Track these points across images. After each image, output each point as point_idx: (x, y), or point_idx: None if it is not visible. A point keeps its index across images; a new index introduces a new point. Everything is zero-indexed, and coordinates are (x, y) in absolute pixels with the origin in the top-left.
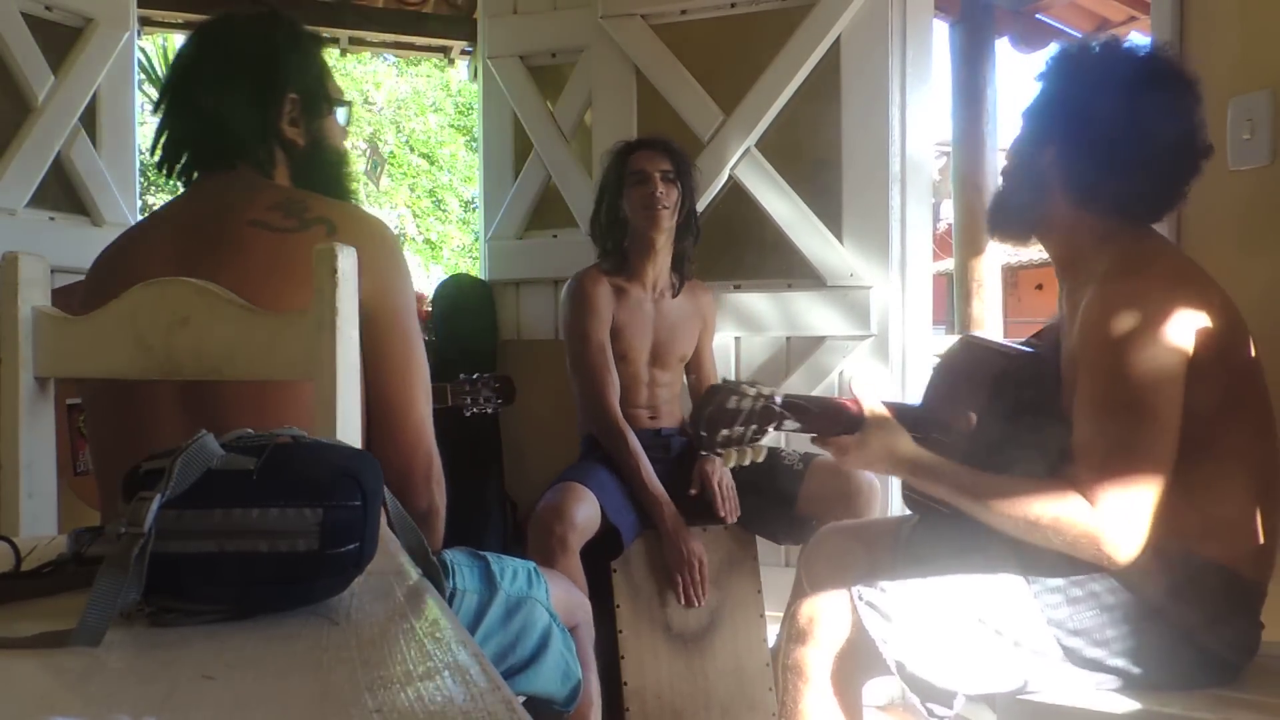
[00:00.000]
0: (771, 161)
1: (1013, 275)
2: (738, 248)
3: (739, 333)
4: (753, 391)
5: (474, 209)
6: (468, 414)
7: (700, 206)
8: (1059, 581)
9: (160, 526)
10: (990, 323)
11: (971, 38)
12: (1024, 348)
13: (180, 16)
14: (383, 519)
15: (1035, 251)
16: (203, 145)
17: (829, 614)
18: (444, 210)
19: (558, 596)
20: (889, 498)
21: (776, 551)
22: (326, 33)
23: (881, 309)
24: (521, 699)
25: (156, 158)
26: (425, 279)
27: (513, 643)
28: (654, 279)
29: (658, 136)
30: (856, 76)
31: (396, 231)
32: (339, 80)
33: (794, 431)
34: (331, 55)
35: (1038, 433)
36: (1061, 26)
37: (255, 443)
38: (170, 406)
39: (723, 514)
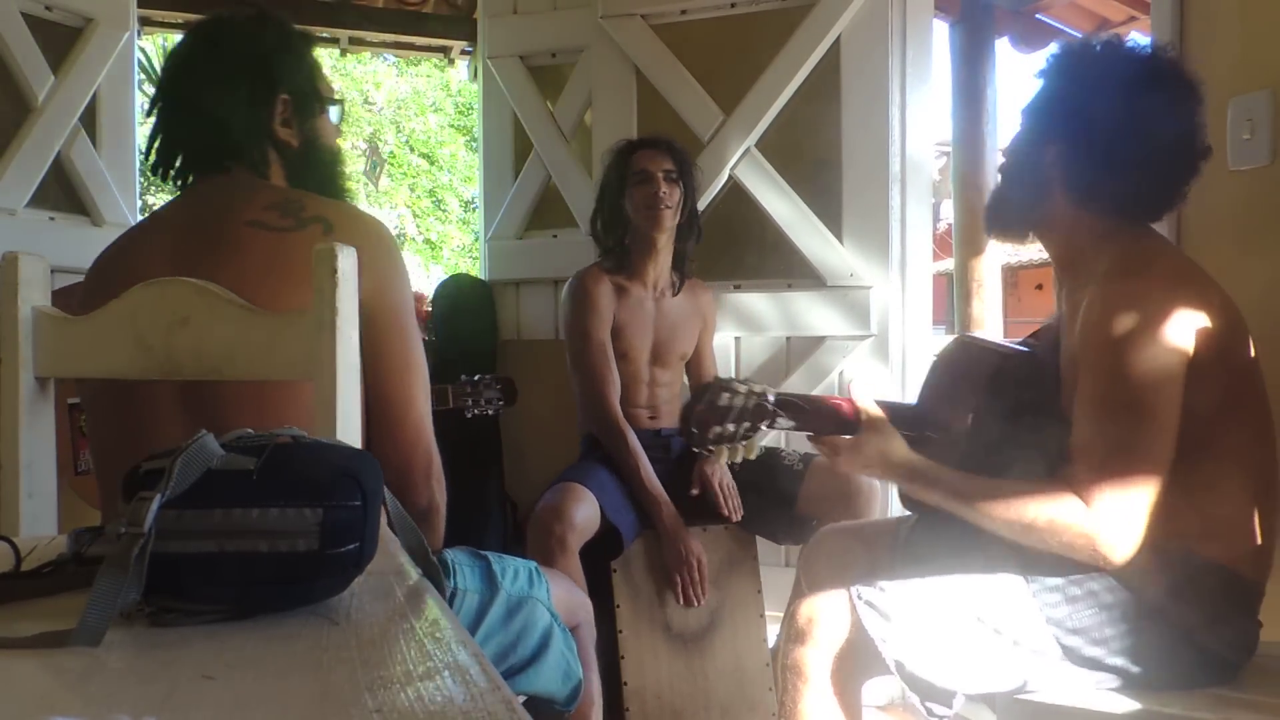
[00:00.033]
0: (771, 161)
1: (1013, 275)
2: (738, 248)
3: (739, 333)
4: (744, 389)
5: (474, 209)
6: (469, 415)
7: (700, 206)
8: (1058, 581)
9: (160, 526)
10: (990, 323)
11: (971, 38)
12: (1020, 347)
13: (180, 16)
14: (383, 519)
15: (1035, 251)
16: (196, 148)
17: (828, 614)
18: (444, 210)
19: (559, 596)
20: (889, 498)
21: (776, 551)
22: (326, 33)
23: (881, 309)
24: (522, 699)
25: (151, 162)
26: (425, 279)
27: (514, 642)
28: (655, 278)
29: (660, 136)
30: (856, 76)
31: (396, 231)
32: (339, 80)
33: (788, 430)
34: (331, 55)
35: (1035, 432)
36: (1061, 26)
37: (255, 443)
38: (171, 406)
39: (726, 513)
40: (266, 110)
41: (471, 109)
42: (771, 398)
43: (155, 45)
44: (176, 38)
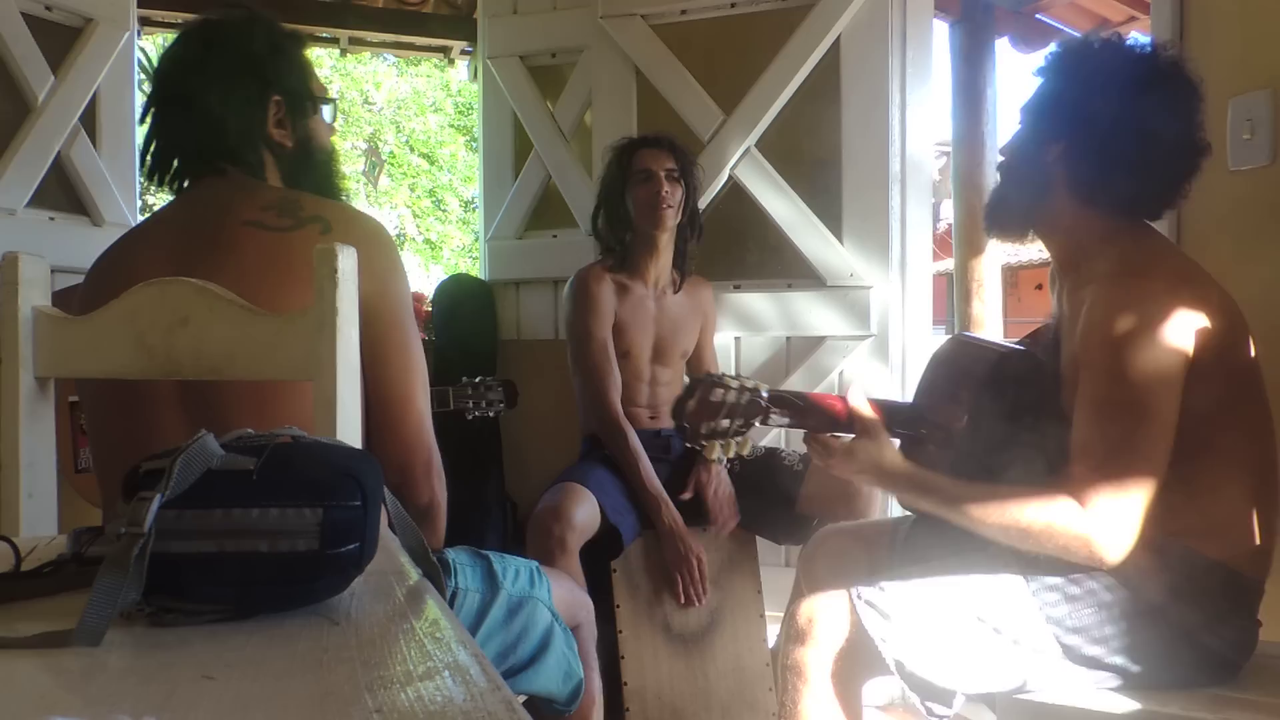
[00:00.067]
0: (771, 161)
1: (1013, 275)
2: (738, 248)
3: (739, 333)
4: (736, 384)
5: (474, 209)
6: (470, 417)
7: (700, 206)
8: (1057, 580)
9: (160, 526)
10: (990, 323)
11: (971, 38)
12: (1016, 345)
13: (180, 16)
14: (383, 519)
15: (1035, 251)
16: (191, 153)
17: (828, 614)
18: (444, 210)
19: (560, 596)
20: (889, 498)
21: (776, 551)
22: (326, 33)
23: (881, 309)
24: (523, 698)
25: (146, 168)
26: (425, 279)
27: (515, 642)
28: (656, 276)
29: (662, 134)
30: (856, 76)
31: (395, 231)
32: (339, 80)
33: (783, 427)
34: (331, 55)
35: (1032, 431)
36: (1061, 26)
37: (255, 443)
38: (172, 406)
39: (717, 526)
40: (260, 112)
41: (471, 109)
42: (765, 394)
43: (155, 45)
44: (203, 17)
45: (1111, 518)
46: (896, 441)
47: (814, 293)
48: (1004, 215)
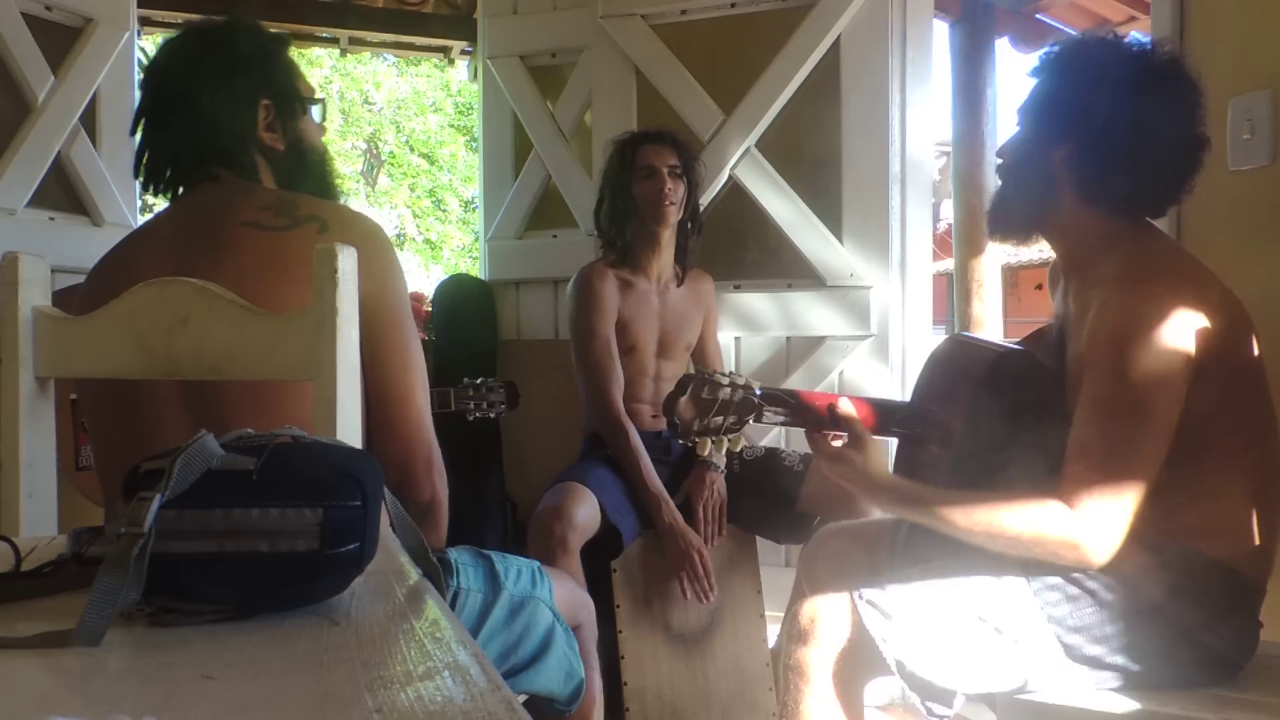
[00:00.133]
0: (771, 161)
1: (1013, 275)
2: (738, 248)
3: (739, 333)
4: (726, 381)
5: (474, 209)
6: (470, 418)
7: (701, 203)
8: (1058, 579)
9: (160, 526)
10: (990, 323)
11: (971, 38)
12: (1014, 345)
13: (180, 16)
14: (384, 519)
15: (1035, 251)
16: (184, 160)
17: (830, 614)
18: (444, 210)
19: (561, 596)
20: None
21: (776, 551)
22: (326, 33)
23: (881, 309)
24: (524, 698)
25: (141, 178)
26: (425, 279)
27: (516, 642)
28: (659, 271)
29: (664, 129)
30: (856, 76)
31: (395, 231)
32: (339, 80)
33: (779, 424)
34: (331, 55)
35: (1031, 431)
36: (1061, 26)
37: (255, 443)
38: (173, 406)
39: (703, 537)
40: (250, 117)
41: (471, 109)
42: (758, 391)
43: (155, 45)
44: (186, 26)
45: (1100, 519)
46: (895, 441)
47: (814, 293)
48: (1009, 218)
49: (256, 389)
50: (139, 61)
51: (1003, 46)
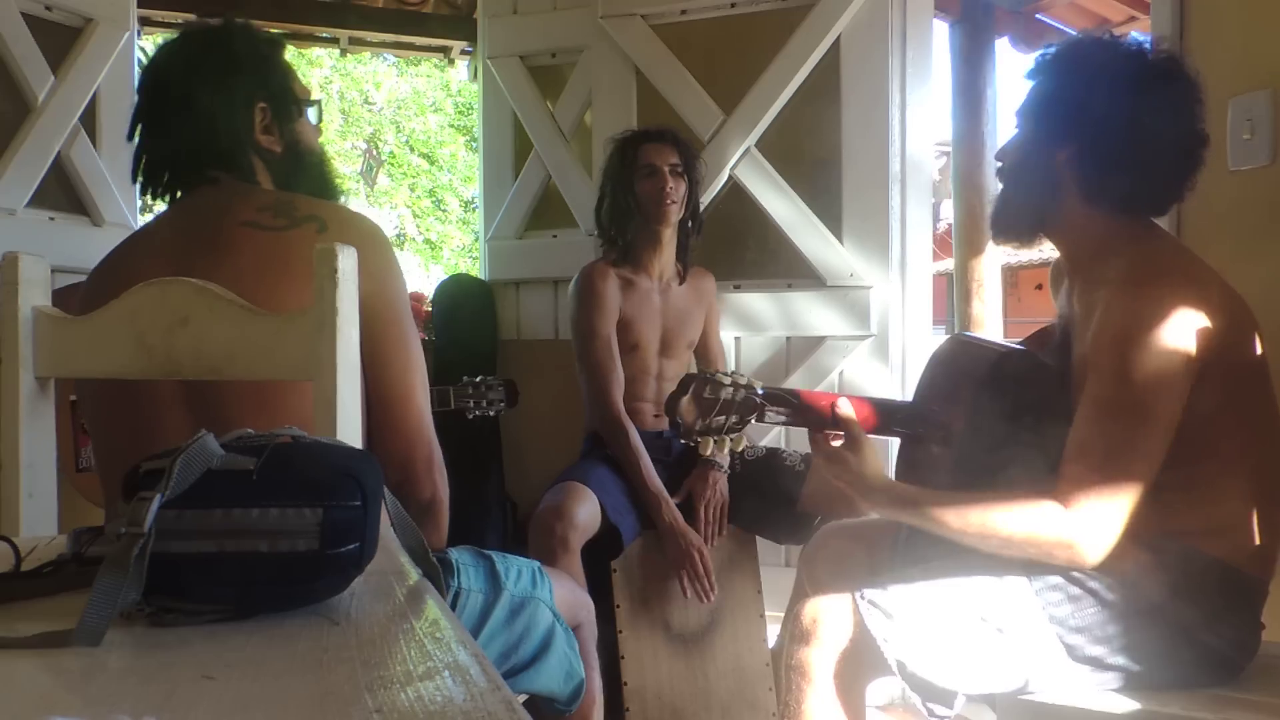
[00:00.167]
0: (771, 161)
1: (1013, 275)
2: (738, 248)
3: (739, 333)
4: (729, 381)
5: (474, 209)
6: (470, 417)
7: (701, 201)
8: (1060, 579)
9: (160, 526)
10: (990, 323)
11: (971, 38)
12: (1016, 345)
13: (180, 16)
14: (384, 519)
15: (1035, 251)
16: (181, 164)
17: (832, 614)
18: (444, 210)
19: (561, 596)
20: None
21: (776, 551)
22: (326, 33)
23: (881, 309)
24: (524, 697)
25: (139, 182)
26: (425, 279)
27: (517, 642)
28: (660, 269)
29: (665, 127)
30: (856, 76)
31: (395, 231)
32: (339, 80)
33: (780, 424)
34: (331, 55)
35: (1031, 430)
36: (1061, 26)
37: (255, 443)
38: (174, 406)
39: (703, 537)
40: (246, 119)
41: (471, 109)
42: (760, 390)
43: (155, 45)
44: (181, 30)
45: (1095, 519)
46: (896, 441)
47: (814, 293)
48: (1012, 220)
49: (257, 389)
50: (139, 62)
51: (1003, 46)
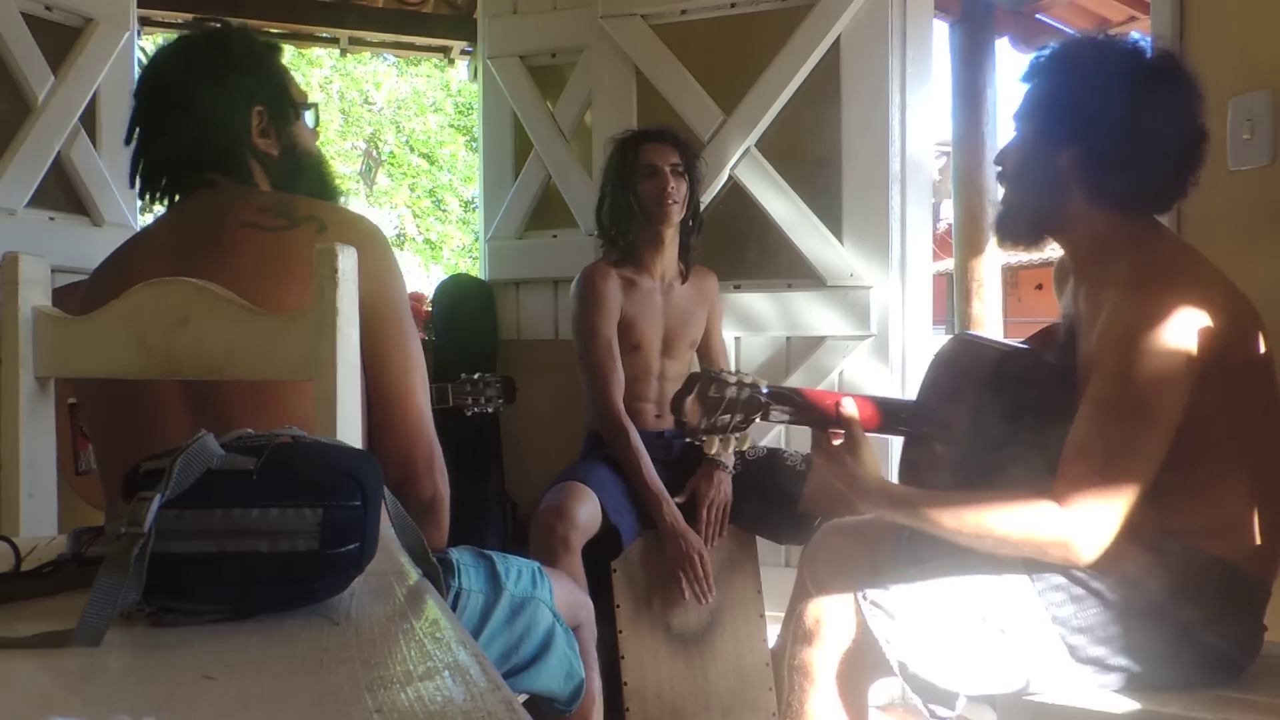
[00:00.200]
0: (771, 161)
1: (1013, 275)
2: (738, 248)
3: (739, 333)
4: (734, 379)
5: (474, 209)
6: (469, 414)
7: (702, 201)
8: (1063, 579)
9: (160, 526)
10: (990, 323)
11: (971, 38)
12: (1019, 344)
13: (180, 16)
14: (384, 519)
15: (1036, 252)
16: (179, 168)
17: (835, 615)
18: (444, 210)
19: (561, 597)
20: None
21: (776, 551)
22: (326, 33)
23: (881, 309)
24: (524, 697)
25: (137, 186)
26: (425, 279)
27: (517, 643)
28: (662, 269)
29: (665, 127)
30: (856, 76)
31: (395, 231)
32: (339, 80)
33: (785, 422)
34: (331, 55)
35: (1035, 429)
36: (1061, 26)
37: (255, 443)
38: (177, 405)
39: (702, 538)
40: (243, 123)
41: (471, 109)
42: (765, 389)
43: (155, 45)
44: (178, 35)
45: (1092, 518)
46: (896, 441)
47: (814, 293)
48: (1018, 224)
49: (259, 389)
50: (138, 62)
51: (1003, 46)
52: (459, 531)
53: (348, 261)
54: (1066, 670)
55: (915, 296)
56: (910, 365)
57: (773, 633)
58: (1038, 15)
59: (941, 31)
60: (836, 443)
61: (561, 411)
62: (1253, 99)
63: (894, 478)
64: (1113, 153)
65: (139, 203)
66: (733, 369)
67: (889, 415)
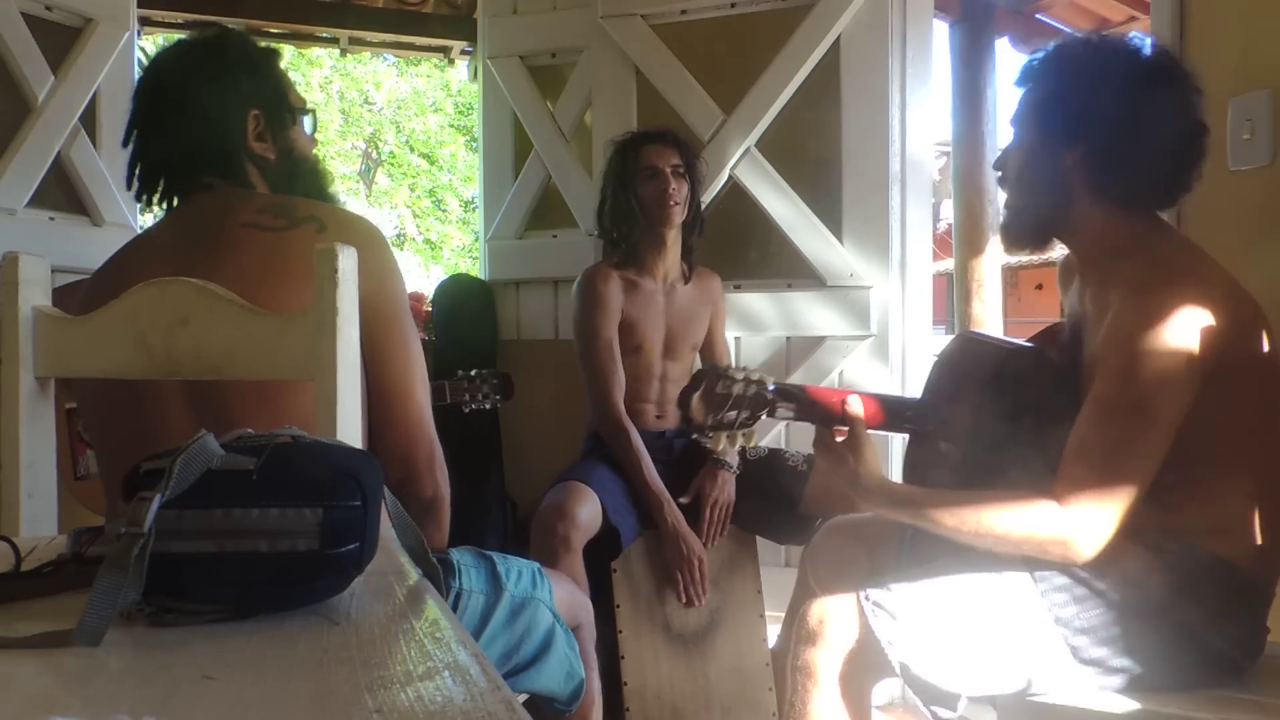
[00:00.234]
0: (771, 161)
1: (1013, 275)
2: (738, 248)
3: (739, 333)
4: (741, 376)
5: (474, 209)
6: (466, 410)
7: (702, 201)
8: (1066, 580)
9: (160, 526)
10: (990, 323)
11: (971, 38)
12: (1024, 343)
13: (180, 16)
14: (384, 519)
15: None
16: (176, 171)
17: (839, 616)
18: (444, 210)
19: (560, 597)
20: None
21: (776, 551)
22: (326, 33)
23: (881, 309)
24: (524, 697)
25: (134, 189)
26: (425, 279)
27: (518, 643)
28: (665, 271)
29: (665, 128)
30: (856, 76)
31: (395, 231)
32: (339, 80)
33: (788, 420)
34: (331, 55)
35: (1039, 428)
36: (1061, 26)
37: (255, 443)
38: (178, 405)
39: (703, 538)
40: (239, 126)
41: (471, 109)
42: (771, 386)
43: (155, 45)
44: (177, 38)
45: (1091, 517)
46: (900, 437)
47: (814, 293)
48: (1025, 228)
49: (260, 388)
50: (138, 62)
51: (1003, 46)
52: (459, 531)
53: (348, 261)
54: (1068, 671)
55: (915, 296)
56: (910, 365)
57: (773, 633)
58: (1038, 15)
59: (941, 31)
60: (840, 440)
61: (561, 411)
62: (1253, 99)
63: (896, 477)
64: (1117, 151)
65: (138, 203)
66: (741, 366)
67: (893, 413)
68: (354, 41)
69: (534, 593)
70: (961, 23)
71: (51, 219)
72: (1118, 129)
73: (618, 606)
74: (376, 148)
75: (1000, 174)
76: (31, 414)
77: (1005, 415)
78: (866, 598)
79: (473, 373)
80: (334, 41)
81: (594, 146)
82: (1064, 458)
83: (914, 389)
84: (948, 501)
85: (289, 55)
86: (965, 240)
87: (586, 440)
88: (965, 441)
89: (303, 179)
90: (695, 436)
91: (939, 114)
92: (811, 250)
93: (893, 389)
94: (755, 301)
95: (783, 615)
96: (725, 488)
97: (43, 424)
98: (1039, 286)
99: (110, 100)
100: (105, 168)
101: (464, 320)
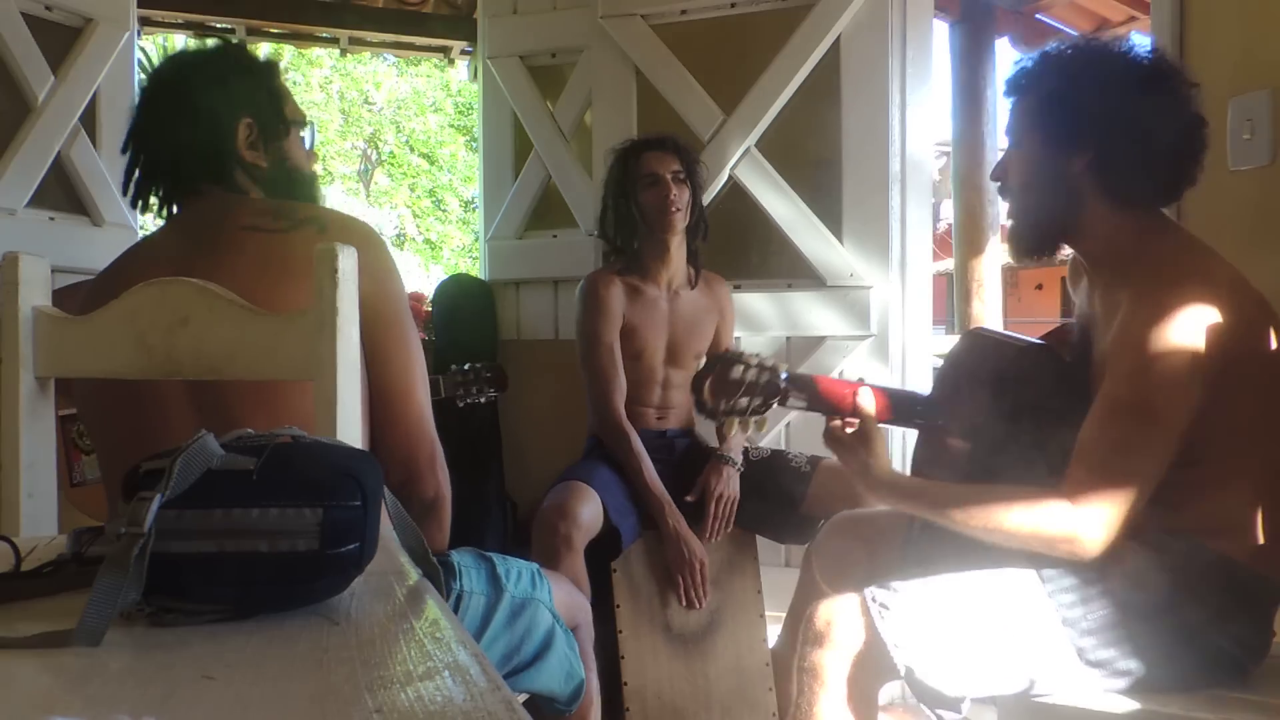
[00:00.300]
0: (771, 161)
1: (1013, 275)
2: (738, 248)
3: (739, 333)
4: (755, 362)
5: (474, 209)
6: (461, 404)
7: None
8: (1072, 580)
9: (160, 526)
10: (990, 323)
11: (971, 38)
12: (1035, 341)
13: (180, 16)
14: (384, 519)
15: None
16: (171, 178)
17: (846, 617)
18: (444, 210)
19: (559, 598)
20: None
21: (776, 551)
22: (326, 33)
23: (881, 309)
24: (524, 697)
25: (129, 196)
26: (425, 279)
27: (518, 644)
28: (669, 277)
29: (665, 135)
30: (856, 76)
31: (395, 231)
32: (339, 80)
33: (800, 409)
34: (331, 55)
35: (1048, 427)
36: (1061, 26)
37: (255, 443)
38: (178, 405)
39: (708, 534)
40: (229, 133)
41: (471, 109)
42: (784, 374)
43: (155, 45)
44: (177, 38)
45: (1099, 515)
46: (914, 432)
47: (814, 293)
48: (1037, 237)
49: (260, 388)
50: (139, 62)
51: (1003, 46)
52: (459, 532)
53: (348, 261)
54: (1073, 672)
55: (915, 296)
56: (910, 365)
57: (773, 633)
58: (1038, 15)
59: (941, 31)
60: (850, 432)
61: (562, 411)
62: (1253, 99)
63: (905, 471)
64: (1125, 152)
65: (134, 209)
66: (756, 353)
67: (903, 408)
68: (354, 41)
69: (534, 593)
70: (961, 23)
71: (51, 219)
72: (1123, 130)
73: (618, 606)
74: (376, 148)
75: (1000, 184)
76: (31, 414)
77: (1015, 412)
78: (873, 599)
79: (466, 367)
80: (334, 41)
81: (594, 146)
82: (1074, 456)
83: (914, 389)
84: (957, 495)
85: (289, 55)
86: (965, 240)
87: (588, 440)
88: (975, 438)
89: (295, 191)
90: (708, 419)
91: (939, 114)
92: (811, 250)
93: None
94: (755, 301)
95: (783, 615)
96: (730, 483)
97: (43, 424)
98: (1039, 286)
99: (110, 100)
100: (105, 168)
101: (464, 320)
